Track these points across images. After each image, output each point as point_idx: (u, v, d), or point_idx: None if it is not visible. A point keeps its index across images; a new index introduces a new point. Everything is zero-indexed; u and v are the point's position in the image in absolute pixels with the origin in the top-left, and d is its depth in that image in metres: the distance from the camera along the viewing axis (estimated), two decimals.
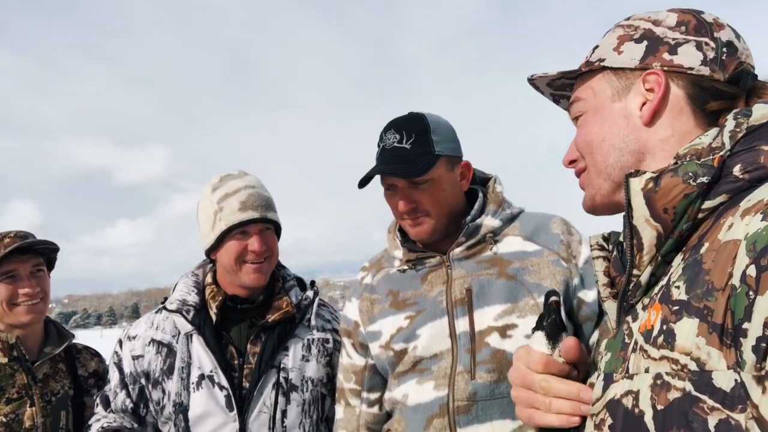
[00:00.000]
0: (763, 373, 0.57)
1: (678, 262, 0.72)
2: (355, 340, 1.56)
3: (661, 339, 0.67)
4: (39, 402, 1.79)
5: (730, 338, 0.60)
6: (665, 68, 0.80)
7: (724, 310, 0.61)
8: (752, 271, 0.58)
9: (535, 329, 0.89)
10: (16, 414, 1.74)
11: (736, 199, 0.69)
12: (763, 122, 0.73)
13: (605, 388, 0.75)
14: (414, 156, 1.38)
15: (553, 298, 0.89)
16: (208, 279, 1.76)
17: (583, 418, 0.80)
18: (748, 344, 0.58)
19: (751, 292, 0.58)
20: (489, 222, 1.45)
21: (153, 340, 1.68)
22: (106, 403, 1.72)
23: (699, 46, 0.80)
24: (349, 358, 1.58)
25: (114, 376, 1.71)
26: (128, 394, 1.69)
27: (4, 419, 1.72)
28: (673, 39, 0.81)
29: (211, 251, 1.71)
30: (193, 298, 1.70)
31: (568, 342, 0.84)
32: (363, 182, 1.42)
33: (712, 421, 0.59)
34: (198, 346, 1.65)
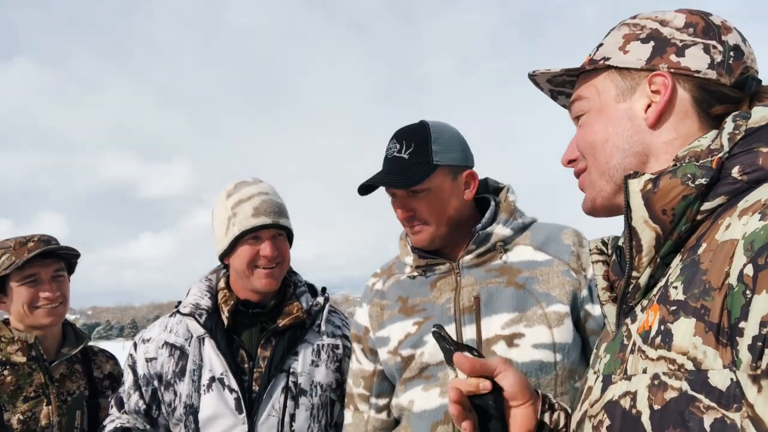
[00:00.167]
0: (758, 372, 0.57)
1: (676, 263, 0.72)
2: (365, 346, 1.57)
3: (658, 339, 0.67)
4: (55, 401, 1.83)
5: (726, 337, 0.60)
6: (672, 70, 0.79)
7: (720, 309, 0.61)
8: (749, 270, 0.58)
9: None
10: (33, 412, 1.78)
11: (734, 200, 0.69)
12: (762, 124, 0.73)
13: (604, 390, 0.75)
14: (410, 166, 1.40)
15: (433, 329, 0.94)
16: (221, 284, 1.79)
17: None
18: (744, 343, 0.58)
19: (748, 291, 0.58)
20: (500, 231, 1.45)
21: (166, 343, 1.72)
22: (120, 405, 1.75)
23: (707, 49, 0.79)
24: (359, 364, 1.59)
25: (128, 378, 1.75)
26: (141, 396, 1.72)
27: (21, 417, 1.76)
28: (681, 41, 0.80)
29: (225, 256, 1.75)
30: (206, 302, 1.73)
31: (456, 358, 0.88)
32: (362, 190, 1.46)
33: (707, 420, 0.59)
34: (210, 349, 1.68)
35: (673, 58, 0.80)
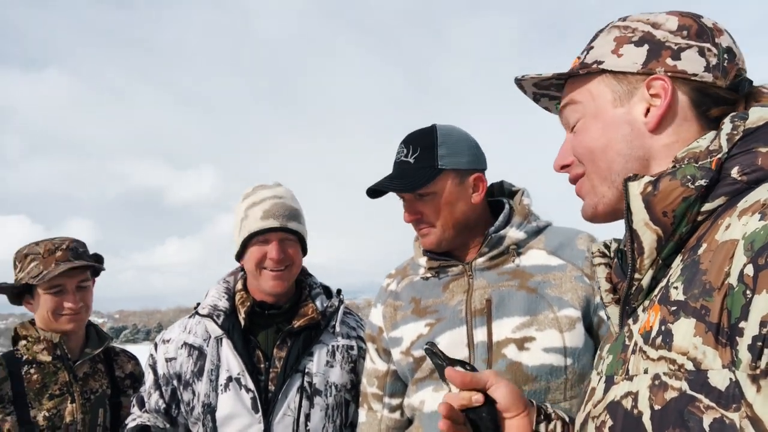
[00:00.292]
0: (758, 372, 0.57)
1: (677, 263, 0.72)
2: (379, 346, 1.59)
3: (659, 340, 0.67)
4: (79, 399, 1.88)
5: (726, 337, 0.60)
6: (669, 74, 0.79)
7: (720, 309, 0.61)
8: (750, 270, 0.58)
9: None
10: (58, 409, 1.84)
11: (734, 200, 0.69)
12: (760, 125, 0.73)
13: (606, 391, 0.75)
14: (415, 170, 1.42)
15: (425, 346, 0.95)
16: (239, 285, 1.82)
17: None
18: (744, 343, 0.58)
19: (748, 291, 0.58)
20: (513, 234, 1.46)
21: (185, 344, 1.76)
22: (141, 404, 1.79)
23: (702, 52, 0.79)
24: (373, 363, 1.61)
25: (149, 377, 1.79)
26: (161, 395, 1.76)
27: (47, 414, 1.82)
28: (676, 44, 0.80)
29: (239, 258, 1.79)
30: (223, 303, 1.77)
31: (447, 373, 0.89)
32: (370, 194, 1.49)
33: (707, 420, 0.59)
34: (227, 349, 1.71)
35: (669, 61, 0.79)
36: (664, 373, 0.65)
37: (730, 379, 0.58)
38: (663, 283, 0.72)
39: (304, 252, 1.84)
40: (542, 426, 0.91)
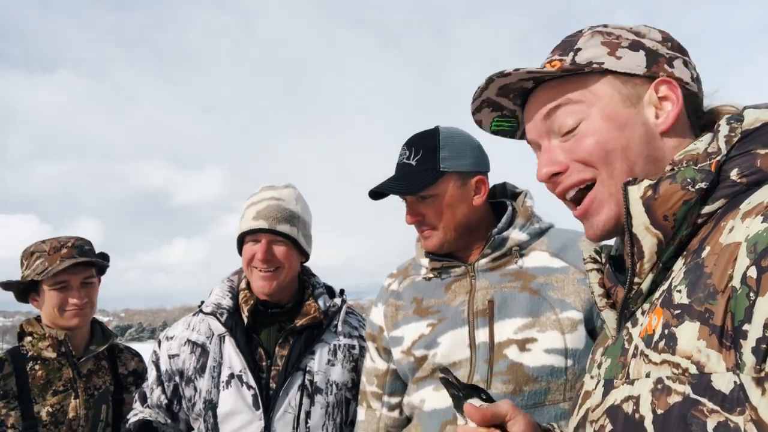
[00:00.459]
0: (762, 374, 0.56)
1: (679, 266, 0.71)
2: (379, 345, 1.59)
3: (662, 343, 0.66)
4: (82, 395, 1.90)
5: (730, 340, 0.59)
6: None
7: (723, 311, 0.60)
8: (753, 272, 0.58)
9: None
10: (62, 405, 1.86)
11: (734, 202, 0.69)
12: (757, 126, 0.73)
13: (605, 394, 0.74)
14: (417, 173, 1.43)
15: (441, 375, 0.94)
16: (242, 284, 1.84)
17: None
18: (747, 346, 0.57)
19: (751, 294, 0.58)
20: (516, 235, 1.46)
21: (188, 341, 1.77)
22: (144, 399, 1.80)
23: (686, 64, 0.82)
24: (373, 362, 1.61)
25: (151, 373, 1.80)
26: (163, 391, 1.77)
27: (50, 409, 1.83)
28: (666, 53, 0.81)
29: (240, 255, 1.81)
30: (227, 302, 1.78)
31: (466, 409, 0.88)
32: (372, 195, 1.50)
33: (711, 423, 0.59)
34: (229, 347, 1.72)
35: (666, 67, 0.80)
36: (668, 377, 0.64)
37: (735, 382, 0.58)
38: (664, 287, 0.72)
39: (304, 255, 1.84)
40: None
